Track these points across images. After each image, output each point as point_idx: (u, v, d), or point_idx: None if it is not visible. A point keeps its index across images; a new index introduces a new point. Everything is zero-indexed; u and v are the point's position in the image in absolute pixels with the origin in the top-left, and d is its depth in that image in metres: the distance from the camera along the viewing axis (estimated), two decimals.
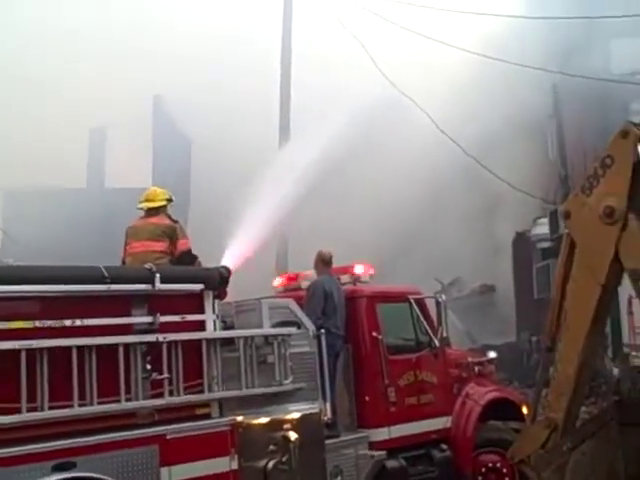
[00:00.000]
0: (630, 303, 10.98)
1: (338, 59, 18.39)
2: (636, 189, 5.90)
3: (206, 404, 6.70)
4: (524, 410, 8.99)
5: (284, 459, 6.94)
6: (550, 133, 22.25)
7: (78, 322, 5.96)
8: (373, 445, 8.19)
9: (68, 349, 5.82)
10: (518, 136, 21.18)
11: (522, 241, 22.35)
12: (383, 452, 8.16)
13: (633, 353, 12.48)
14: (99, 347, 5.98)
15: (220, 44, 21.14)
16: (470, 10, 18.80)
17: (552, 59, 18.03)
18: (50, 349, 5.74)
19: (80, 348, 5.89)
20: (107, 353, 6.04)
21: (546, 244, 20.51)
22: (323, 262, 8.67)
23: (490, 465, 8.99)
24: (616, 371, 14.36)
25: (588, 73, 17.82)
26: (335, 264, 8.80)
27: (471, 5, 18.78)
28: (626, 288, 6.14)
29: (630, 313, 11.69)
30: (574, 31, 17.71)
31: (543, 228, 20.84)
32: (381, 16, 18.45)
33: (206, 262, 7.65)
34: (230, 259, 7.83)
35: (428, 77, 19.93)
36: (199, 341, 6.66)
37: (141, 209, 8.07)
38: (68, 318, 5.91)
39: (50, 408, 5.71)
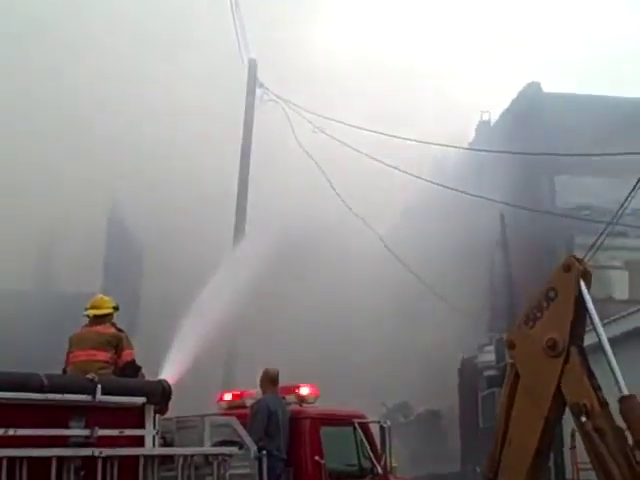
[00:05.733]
0: (573, 437, 10.88)
1: (294, 178, 18.86)
2: (578, 323, 6.04)
3: None
4: None
5: None
6: (497, 261, 22.80)
7: (11, 432, 5.73)
8: None
9: None
10: (465, 261, 21.64)
11: (468, 367, 22.38)
12: None
13: None
14: (31, 459, 5.73)
15: (178, 153, 21.53)
16: (422, 139, 19.61)
17: (499, 190, 18.72)
18: None
19: (11, 459, 5.63)
20: (40, 466, 5.78)
21: (492, 372, 20.53)
22: (269, 380, 8.58)
23: None
24: None
25: (534, 206, 18.55)
26: (280, 382, 8.70)
27: (423, 134, 19.63)
28: (569, 421, 6.16)
29: (573, 447, 11.58)
30: (521, 165, 18.52)
31: (489, 355, 20.95)
32: (337, 139, 19.07)
33: (153, 372, 7.50)
34: (174, 371, 7.70)
35: (381, 200, 20.46)
36: (136, 457, 6.44)
37: (87, 316, 7.96)
38: (0, 427, 5.68)
39: None
